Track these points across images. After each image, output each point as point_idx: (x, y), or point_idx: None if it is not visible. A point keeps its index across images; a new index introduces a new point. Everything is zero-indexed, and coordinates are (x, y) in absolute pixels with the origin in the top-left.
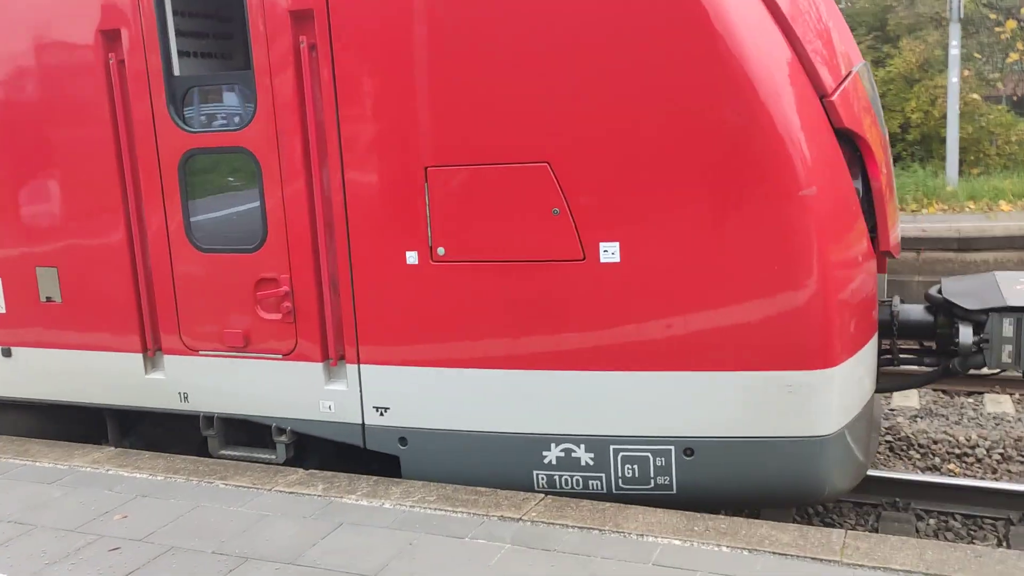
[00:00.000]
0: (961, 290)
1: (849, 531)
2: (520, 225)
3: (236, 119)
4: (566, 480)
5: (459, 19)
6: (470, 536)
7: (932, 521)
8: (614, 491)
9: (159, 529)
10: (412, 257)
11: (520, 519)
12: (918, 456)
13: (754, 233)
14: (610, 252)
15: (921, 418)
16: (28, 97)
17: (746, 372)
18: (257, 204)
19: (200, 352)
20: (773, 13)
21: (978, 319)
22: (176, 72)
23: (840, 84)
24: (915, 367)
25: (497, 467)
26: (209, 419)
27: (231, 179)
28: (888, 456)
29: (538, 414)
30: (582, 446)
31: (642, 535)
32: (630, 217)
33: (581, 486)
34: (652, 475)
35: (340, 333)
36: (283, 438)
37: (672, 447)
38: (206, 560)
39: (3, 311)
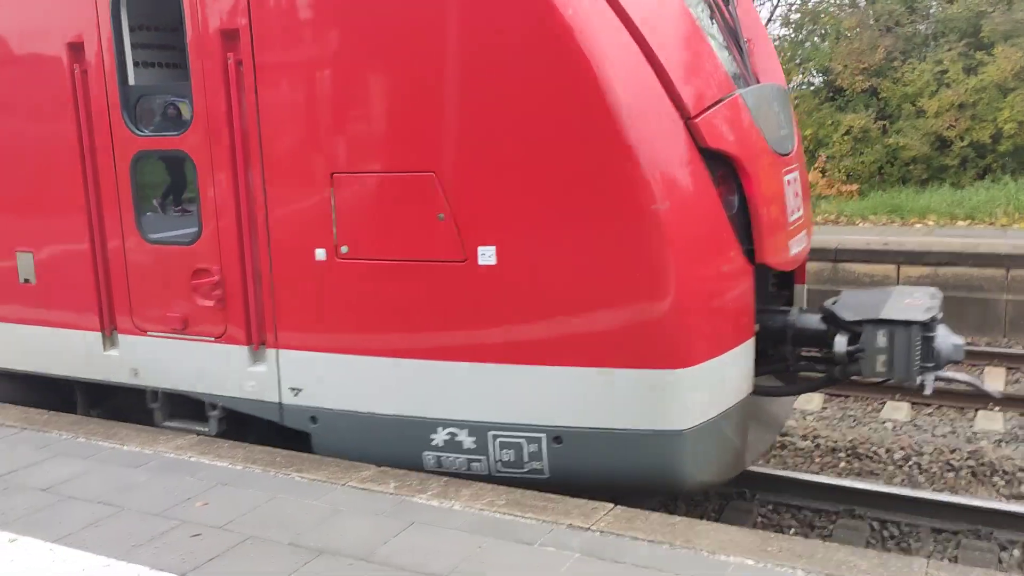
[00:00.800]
0: (850, 302)
1: (931, 561)
2: (411, 228)
3: (180, 125)
4: (451, 461)
5: (356, 46)
6: (539, 543)
7: (1016, 552)
8: (493, 474)
9: (238, 518)
10: (320, 254)
11: (589, 528)
12: (1002, 483)
13: (613, 242)
14: (487, 255)
15: (1006, 443)
16: (8, 99)
17: (608, 369)
18: (197, 203)
19: (148, 332)
20: (639, 42)
21: (855, 330)
22: (131, 82)
23: (708, 108)
24: (813, 373)
25: (393, 447)
26: (155, 393)
27: (175, 178)
28: (970, 481)
29: (426, 400)
30: (465, 431)
31: (713, 552)
32: (505, 224)
33: (465, 468)
34: (526, 460)
35: (262, 320)
36: (215, 413)
37: (543, 435)
38: (282, 551)
39: None
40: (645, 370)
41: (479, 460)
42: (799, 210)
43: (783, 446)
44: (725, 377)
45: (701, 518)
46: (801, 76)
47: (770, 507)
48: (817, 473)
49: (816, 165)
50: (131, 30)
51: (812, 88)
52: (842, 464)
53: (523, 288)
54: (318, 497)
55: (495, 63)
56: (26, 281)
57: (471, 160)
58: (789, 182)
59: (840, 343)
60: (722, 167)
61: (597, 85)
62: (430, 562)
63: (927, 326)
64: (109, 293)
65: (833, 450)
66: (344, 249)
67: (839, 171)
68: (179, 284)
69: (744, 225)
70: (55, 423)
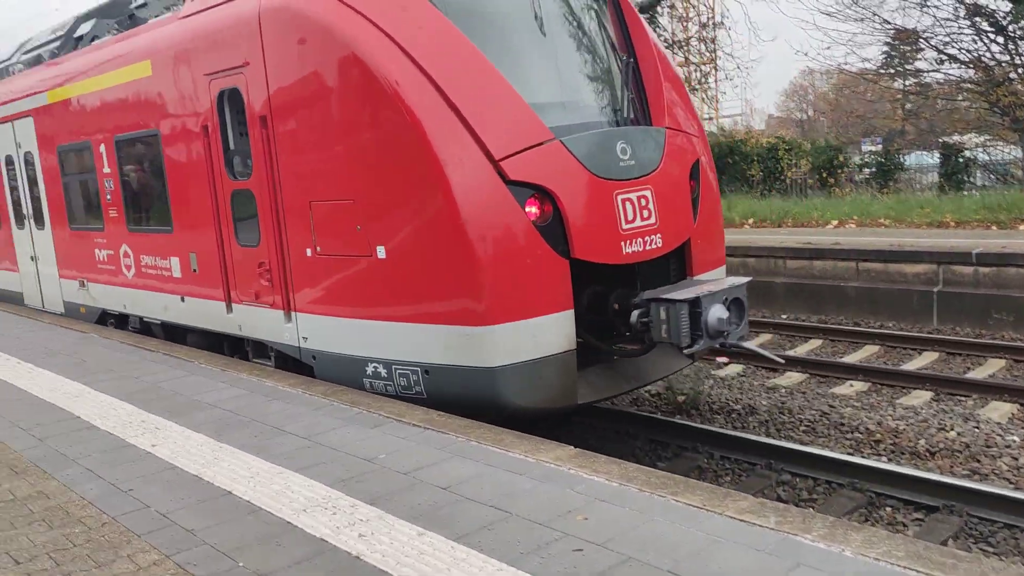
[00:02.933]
0: (660, 289)
1: None
2: (345, 235)
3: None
4: (376, 385)
5: (313, 129)
6: None
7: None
8: (398, 394)
9: (617, 536)
10: (308, 252)
11: None
12: None
13: (441, 246)
14: (381, 252)
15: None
16: (178, 157)
17: (448, 326)
18: (257, 221)
19: (243, 302)
20: (457, 115)
21: (645, 307)
22: (231, 146)
23: (514, 153)
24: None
25: (351, 375)
26: (248, 340)
27: (247, 206)
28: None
29: (361, 345)
30: (380, 365)
31: None
32: (387, 233)
33: (382, 389)
34: (412, 385)
35: (289, 294)
36: (272, 353)
37: (418, 368)
38: None
39: (180, 275)
40: (467, 327)
41: (389, 384)
42: (648, 220)
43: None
44: (534, 334)
45: None
46: None
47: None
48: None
49: None
50: (225, 115)
51: None
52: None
53: (400, 274)
54: (694, 524)
55: (375, 139)
56: (194, 271)
57: (367, 193)
58: (626, 200)
59: (634, 316)
60: (534, 191)
61: (430, 148)
62: None
63: (694, 304)
64: (226, 277)
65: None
66: (318, 249)
67: None
68: (252, 272)
69: (564, 230)
70: (451, 425)
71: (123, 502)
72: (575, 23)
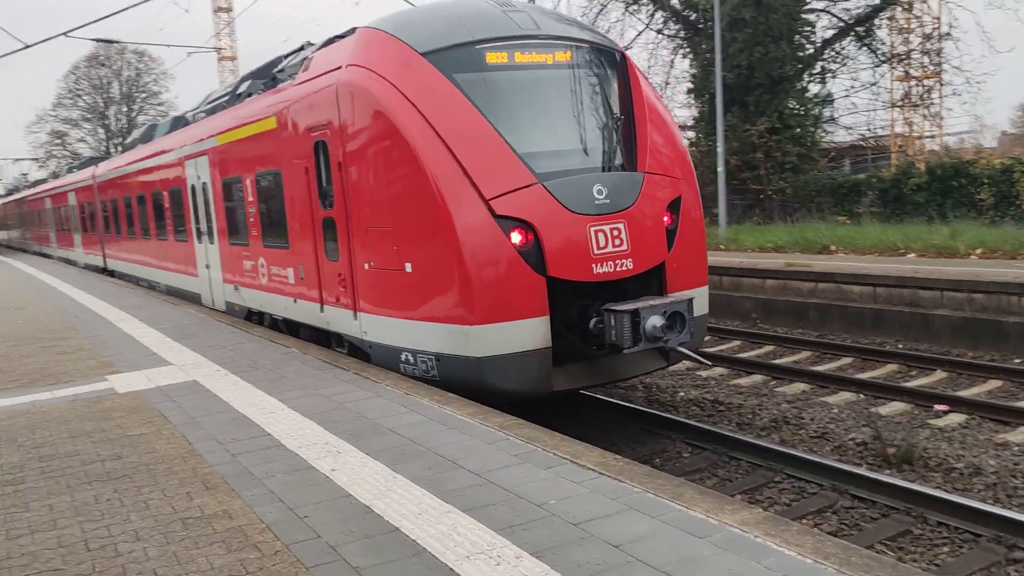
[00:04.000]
0: (618, 303)
1: None
2: (387, 253)
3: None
4: (408, 369)
5: (365, 174)
6: None
7: None
8: (420, 376)
9: None
10: (367, 266)
11: None
12: None
13: (446, 264)
14: (409, 267)
15: None
16: (295, 192)
17: (449, 324)
18: (337, 242)
19: (329, 304)
20: (459, 163)
21: (601, 316)
22: (323, 184)
23: (502, 194)
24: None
25: (391, 361)
26: (332, 333)
27: (331, 230)
28: None
29: (397, 338)
30: (409, 354)
31: None
32: (412, 253)
33: (414, 373)
34: (428, 370)
35: (356, 298)
36: (345, 344)
37: (432, 357)
38: None
39: (293, 281)
40: (461, 325)
41: (415, 368)
42: (619, 247)
43: None
44: (515, 333)
45: None
46: None
47: None
48: None
49: None
50: (319, 160)
51: None
52: None
53: (419, 283)
54: None
55: (403, 183)
56: (301, 279)
57: (399, 222)
58: (598, 231)
59: (592, 322)
60: (518, 223)
61: (439, 191)
62: None
63: (634, 314)
64: (319, 284)
65: None
66: (372, 263)
67: None
68: (335, 280)
69: (541, 254)
70: (628, 473)
71: (297, 530)
72: (571, 89)
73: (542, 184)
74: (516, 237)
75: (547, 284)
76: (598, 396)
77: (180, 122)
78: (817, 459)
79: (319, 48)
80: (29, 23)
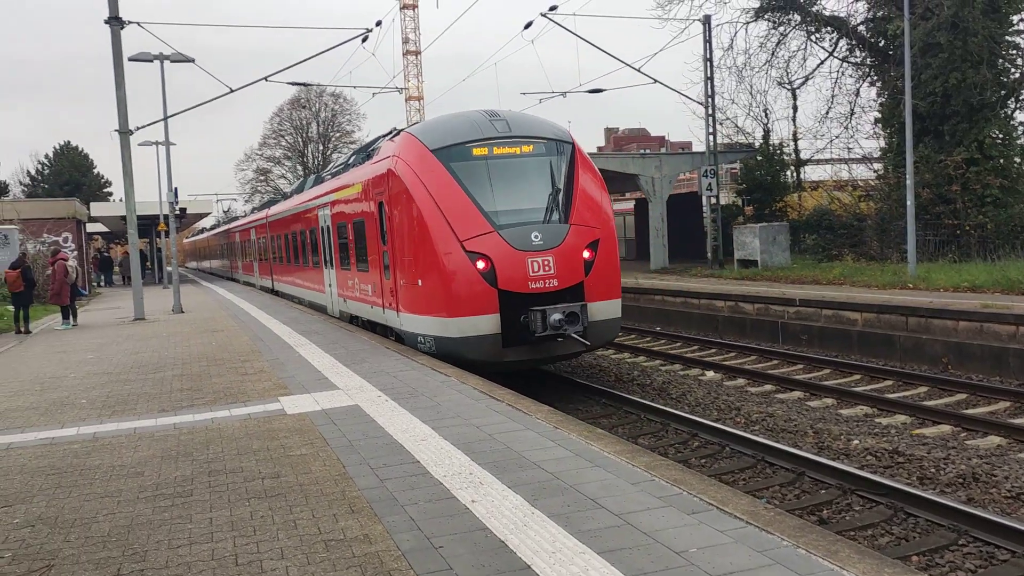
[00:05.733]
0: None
1: None
2: (410, 274)
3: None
4: (420, 346)
5: (393, 216)
6: None
7: None
8: (425, 351)
9: None
10: (401, 282)
11: None
12: None
13: (435, 281)
14: (420, 282)
15: None
16: (366, 232)
17: (437, 316)
18: (389, 267)
19: (386, 308)
20: (441, 210)
21: (527, 313)
22: (384, 228)
23: (471, 237)
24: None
25: (412, 342)
26: (389, 328)
27: (386, 259)
28: None
29: (417, 328)
30: (420, 337)
31: None
32: (420, 274)
33: (424, 349)
34: (431, 347)
35: (398, 304)
36: (393, 334)
37: (432, 337)
38: None
39: (371, 293)
40: (442, 317)
41: (424, 346)
42: (548, 271)
43: None
44: (474, 325)
45: None
46: None
47: None
48: None
49: None
50: (382, 213)
51: None
52: None
53: (426, 293)
54: None
55: (413, 230)
56: (373, 291)
57: (414, 253)
58: (534, 262)
59: (522, 318)
60: (481, 256)
61: (432, 236)
62: None
63: (543, 313)
64: (381, 294)
65: None
66: (404, 281)
67: None
68: (388, 292)
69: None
70: (777, 524)
71: (431, 560)
72: (529, 171)
73: (497, 232)
74: (480, 264)
75: (499, 294)
76: (768, 444)
77: (318, 179)
78: (1011, 523)
79: (385, 139)
80: (234, 67)
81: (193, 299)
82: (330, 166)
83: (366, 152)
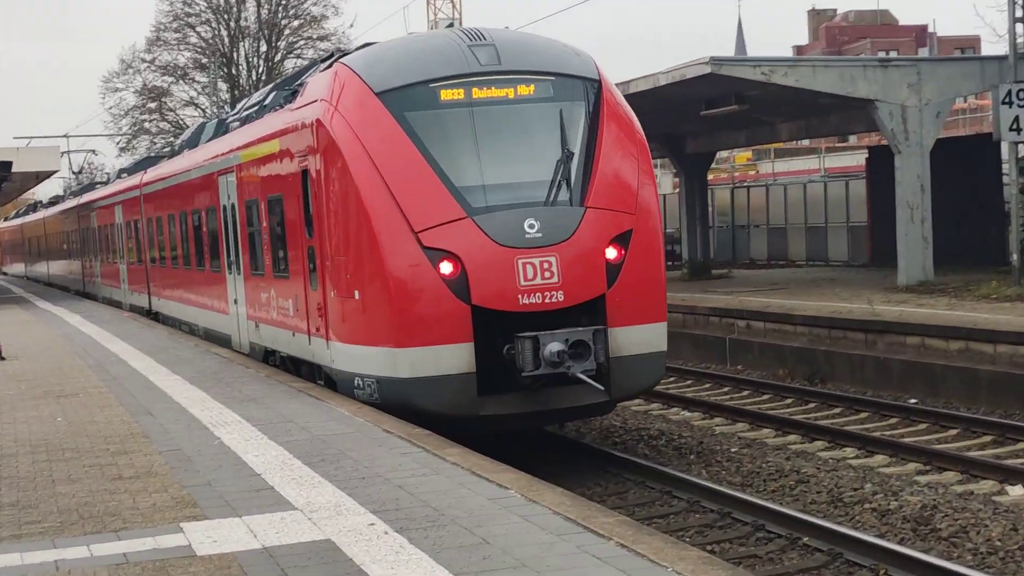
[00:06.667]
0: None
1: None
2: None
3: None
4: (357, 394)
5: (320, 200)
6: None
7: None
8: (365, 400)
9: None
10: (355, 295)
11: None
12: None
13: (371, 286)
14: (356, 296)
15: None
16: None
17: (378, 347)
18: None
19: (313, 333)
20: (396, 203)
21: (513, 342)
22: (311, 211)
23: (430, 228)
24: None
25: (350, 389)
26: (319, 367)
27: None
28: None
29: (351, 364)
30: (361, 379)
31: None
32: (357, 287)
33: (362, 397)
34: (370, 395)
35: (327, 329)
36: (320, 376)
37: (375, 378)
38: None
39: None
40: (388, 346)
41: (362, 392)
42: (548, 279)
43: None
44: (435, 360)
45: None
46: None
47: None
48: None
49: None
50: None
51: None
52: None
53: (364, 311)
54: None
55: (340, 204)
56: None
57: (340, 247)
58: (527, 264)
59: (505, 349)
60: (447, 254)
61: (373, 221)
62: None
63: (535, 340)
64: (307, 312)
65: None
66: (333, 292)
67: None
68: (311, 307)
69: (467, 284)
70: None
71: None
72: (527, 125)
73: (471, 218)
74: (446, 267)
75: (472, 312)
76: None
77: (221, 127)
78: None
79: (317, 69)
80: None
81: (22, 333)
82: (240, 105)
83: (292, 89)
